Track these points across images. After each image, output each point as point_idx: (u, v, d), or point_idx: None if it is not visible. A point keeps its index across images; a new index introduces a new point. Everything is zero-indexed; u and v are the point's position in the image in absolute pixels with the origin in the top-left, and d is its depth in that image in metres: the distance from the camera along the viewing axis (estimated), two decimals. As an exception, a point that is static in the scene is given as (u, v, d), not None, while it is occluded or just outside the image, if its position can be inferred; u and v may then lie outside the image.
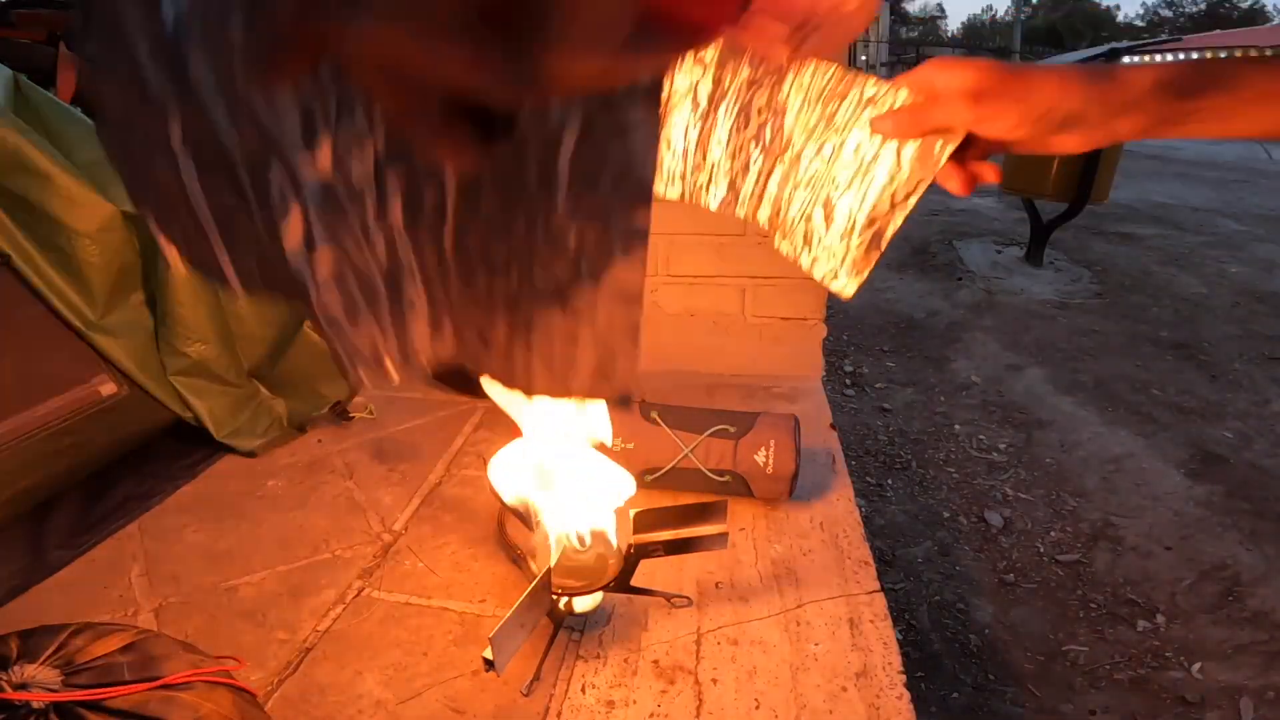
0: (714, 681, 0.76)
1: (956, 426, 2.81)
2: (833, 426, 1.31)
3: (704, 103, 0.59)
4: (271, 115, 0.35)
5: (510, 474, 0.87)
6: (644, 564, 0.87)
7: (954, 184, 0.53)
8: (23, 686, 0.55)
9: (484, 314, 0.44)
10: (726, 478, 1.03)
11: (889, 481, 2.46)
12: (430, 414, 1.38)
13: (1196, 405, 2.96)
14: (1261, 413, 2.91)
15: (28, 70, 1.11)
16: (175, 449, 1.21)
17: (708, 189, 0.62)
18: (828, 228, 0.58)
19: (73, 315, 1.04)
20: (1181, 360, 3.38)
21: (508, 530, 0.96)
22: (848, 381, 3.21)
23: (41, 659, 0.58)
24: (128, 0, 0.34)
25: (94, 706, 0.55)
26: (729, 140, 0.60)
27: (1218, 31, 28.77)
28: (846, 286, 0.57)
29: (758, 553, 0.96)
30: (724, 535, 0.87)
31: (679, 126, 0.60)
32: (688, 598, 0.87)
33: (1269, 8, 36.66)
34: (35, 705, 0.54)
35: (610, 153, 0.39)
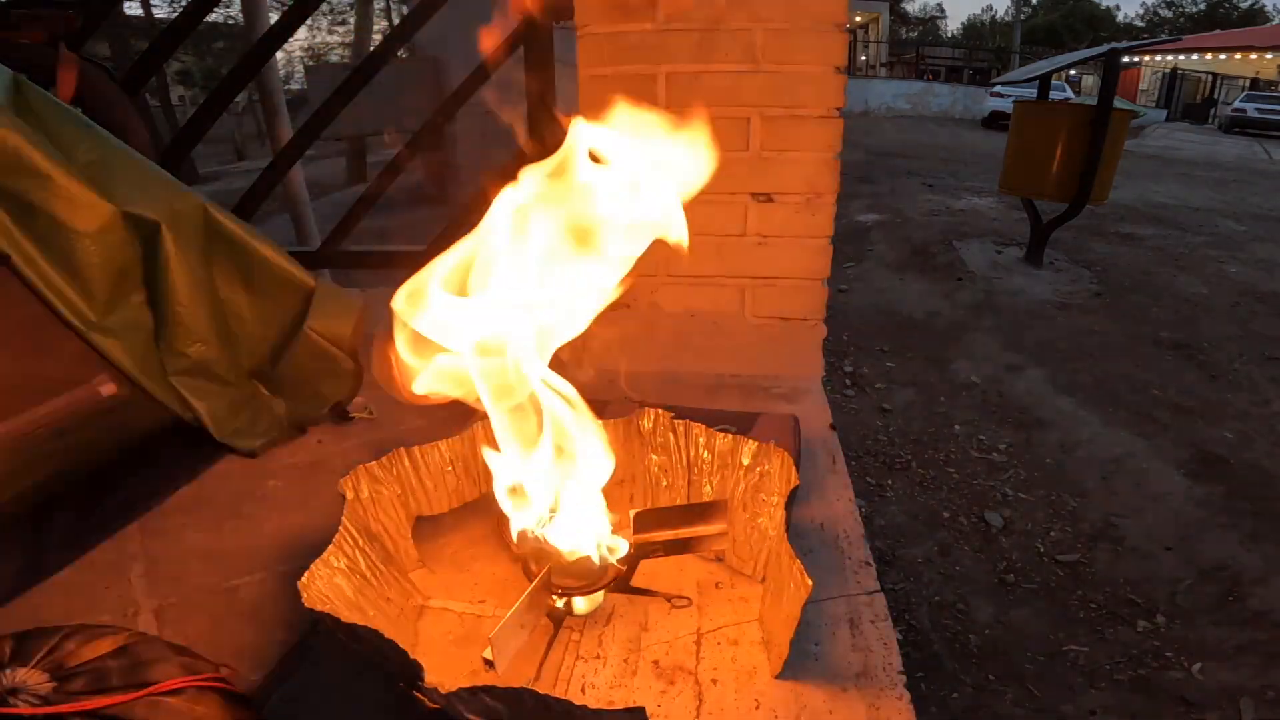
0: (714, 681, 0.76)
1: (956, 427, 2.81)
2: (833, 427, 1.31)
3: None
4: None
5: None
6: (644, 564, 0.87)
7: None
8: (13, 690, 0.55)
9: None
10: (726, 478, 1.03)
11: (889, 481, 2.46)
12: (430, 415, 1.38)
13: (1196, 405, 2.96)
14: (1261, 413, 2.91)
15: (28, 70, 1.10)
16: (175, 449, 1.21)
17: None
18: None
19: (73, 315, 1.03)
20: (1181, 360, 3.38)
21: (507, 531, 0.96)
22: (848, 381, 3.21)
23: (33, 663, 0.58)
24: None
25: (83, 714, 0.55)
26: None
27: (1218, 32, 28.79)
28: None
29: (758, 553, 0.96)
30: (724, 535, 0.87)
31: None
32: (688, 598, 0.87)
33: (1269, 8, 36.63)
34: (25, 717, 0.54)
35: None
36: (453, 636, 0.83)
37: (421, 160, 7.93)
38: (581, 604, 0.83)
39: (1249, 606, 1.88)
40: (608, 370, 1.50)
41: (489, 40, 1.53)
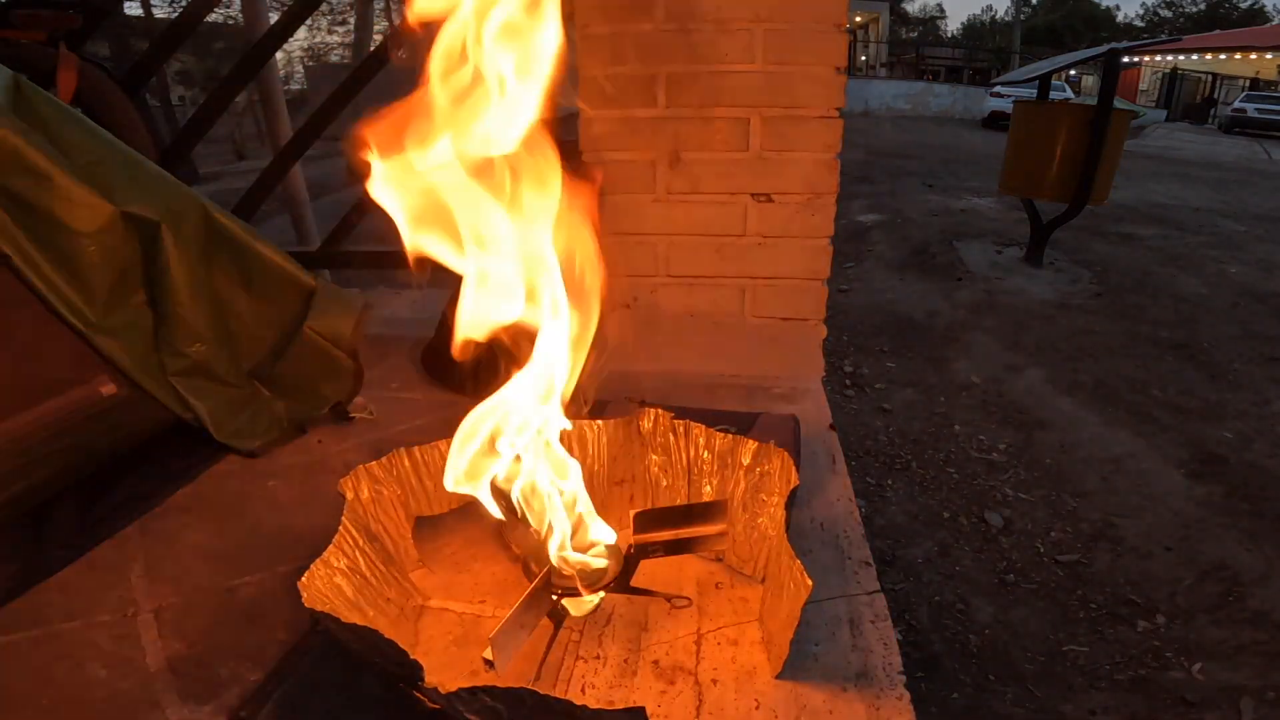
0: (714, 681, 0.76)
1: (956, 427, 2.81)
2: (832, 427, 1.31)
3: None
4: None
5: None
6: (644, 564, 0.87)
7: None
8: None
9: None
10: (726, 478, 1.03)
11: (889, 481, 2.46)
12: (430, 414, 1.38)
13: (1196, 405, 2.96)
14: (1261, 413, 2.91)
15: (28, 70, 1.10)
16: (175, 449, 1.21)
17: None
18: None
19: (73, 315, 1.03)
20: (1181, 360, 3.38)
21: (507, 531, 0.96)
22: (848, 381, 3.21)
23: None
24: None
25: None
26: None
27: (1217, 32, 28.79)
28: None
29: (757, 553, 0.96)
30: (724, 535, 0.87)
31: None
32: (687, 598, 0.87)
33: (1269, 8, 36.62)
34: None
35: None
36: (453, 636, 0.83)
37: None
38: (581, 605, 0.83)
39: (1249, 606, 1.87)
40: (608, 369, 1.50)
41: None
